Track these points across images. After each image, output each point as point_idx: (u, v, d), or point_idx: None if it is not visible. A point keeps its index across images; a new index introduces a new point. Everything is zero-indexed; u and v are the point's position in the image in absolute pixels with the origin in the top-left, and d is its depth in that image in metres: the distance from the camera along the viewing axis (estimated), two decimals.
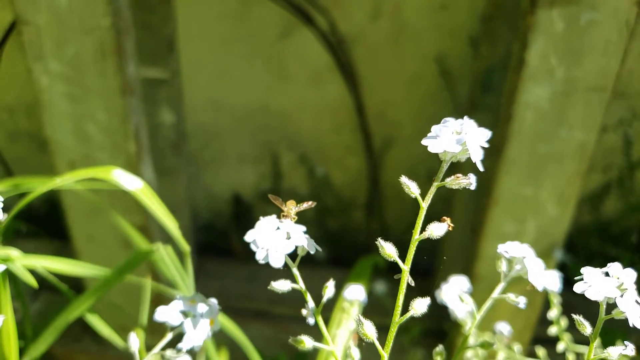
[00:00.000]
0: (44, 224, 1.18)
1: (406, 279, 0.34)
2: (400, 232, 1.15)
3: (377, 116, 1.11)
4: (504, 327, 0.65)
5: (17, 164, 1.18)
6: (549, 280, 0.59)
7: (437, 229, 0.34)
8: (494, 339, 0.66)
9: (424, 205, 0.33)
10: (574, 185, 0.77)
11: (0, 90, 1.11)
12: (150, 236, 0.90)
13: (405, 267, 0.34)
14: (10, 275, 0.66)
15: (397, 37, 1.03)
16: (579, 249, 1.11)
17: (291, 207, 0.35)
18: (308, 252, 1.32)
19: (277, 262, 0.32)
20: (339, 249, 1.24)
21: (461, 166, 0.88)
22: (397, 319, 0.34)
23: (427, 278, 1.15)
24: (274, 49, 1.05)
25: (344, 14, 1.01)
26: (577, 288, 0.30)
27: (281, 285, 0.34)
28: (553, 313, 0.61)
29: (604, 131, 1.00)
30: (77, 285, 0.94)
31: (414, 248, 0.34)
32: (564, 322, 0.63)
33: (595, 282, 0.30)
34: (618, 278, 0.30)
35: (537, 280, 0.34)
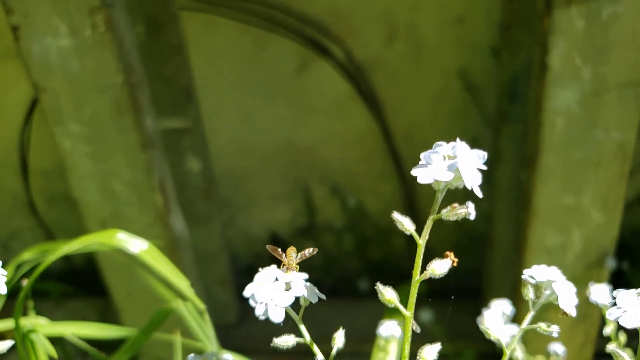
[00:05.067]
0: (88, 283, 1.19)
1: (410, 326, 0.31)
2: (441, 257, 1.11)
3: (406, 139, 1.08)
4: (558, 348, 0.60)
5: (57, 226, 1.20)
6: (600, 295, 0.54)
7: (439, 267, 0.31)
8: None
9: (422, 242, 0.30)
10: (619, 188, 0.72)
11: (35, 157, 1.14)
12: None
13: (408, 313, 0.31)
14: (58, 339, 0.66)
15: (415, 56, 1.01)
16: (636, 253, 1.04)
17: (292, 256, 0.33)
18: (351, 284, 1.27)
19: (277, 317, 0.29)
20: (383, 278, 1.20)
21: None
22: None
23: (476, 298, 1.10)
24: (293, 85, 1.05)
25: (358, 40, 1.00)
26: (610, 315, 0.27)
27: (285, 341, 0.32)
28: (609, 329, 0.57)
29: None
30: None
31: (416, 290, 0.31)
32: (624, 336, 0.58)
33: (630, 307, 0.27)
34: None
35: (569, 305, 0.31)
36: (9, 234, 1.24)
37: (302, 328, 0.32)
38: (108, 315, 1.11)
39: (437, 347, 0.30)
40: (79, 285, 1.18)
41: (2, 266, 0.72)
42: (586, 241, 0.76)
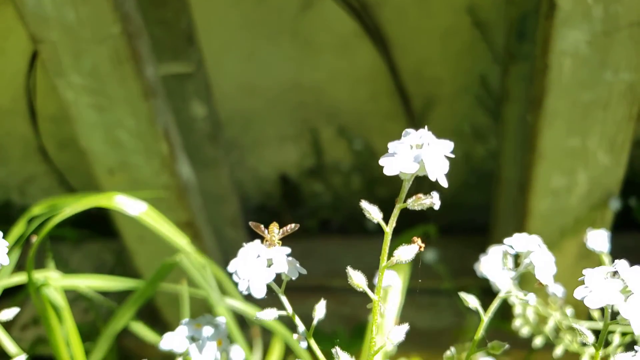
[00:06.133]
0: (103, 226, 1.22)
1: (378, 309, 0.32)
2: (450, 194, 1.11)
3: (414, 77, 1.06)
4: (557, 289, 0.61)
5: (69, 171, 1.22)
6: (598, 242, 0.54)
7: (406, 253, 0.31)
8: (547, 302, 0.62)
9: (388, 229, 0.31)
10: (627, 130, 0.71)
11: (42, 102, 1.14)
12: (196, 231, 0.91)
13: (375, 297, 0.32)
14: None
15: None
16: None
17: (274, 232, 0.33)
18: (359, 222, 1.28)
19: (259, 293, 0.30)
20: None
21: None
22: (373, 352, 0.32)
23: (483, 234, 1.11)
24: (297, 23, 1.02)
25: None
26: (577, 294, 0.27)
27: (267, 315, 0.32)
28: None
29: None
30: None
31: (384, 274, 0.32)
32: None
33: (596, 287, 0.27)
34: (623, 280, 0.26)
35: (546, 276, 0.31)
36: (24, 179, 1.27)
37: (284, 299, 0.33)
38: (123, 256, 1.14)
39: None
40: (94, 228, 1.21)
41: (17, 217, 0.74)
42: (591, 183, 0.75)
